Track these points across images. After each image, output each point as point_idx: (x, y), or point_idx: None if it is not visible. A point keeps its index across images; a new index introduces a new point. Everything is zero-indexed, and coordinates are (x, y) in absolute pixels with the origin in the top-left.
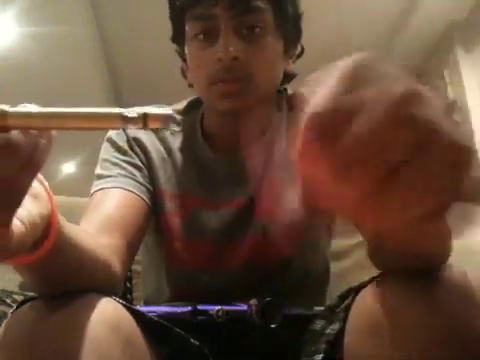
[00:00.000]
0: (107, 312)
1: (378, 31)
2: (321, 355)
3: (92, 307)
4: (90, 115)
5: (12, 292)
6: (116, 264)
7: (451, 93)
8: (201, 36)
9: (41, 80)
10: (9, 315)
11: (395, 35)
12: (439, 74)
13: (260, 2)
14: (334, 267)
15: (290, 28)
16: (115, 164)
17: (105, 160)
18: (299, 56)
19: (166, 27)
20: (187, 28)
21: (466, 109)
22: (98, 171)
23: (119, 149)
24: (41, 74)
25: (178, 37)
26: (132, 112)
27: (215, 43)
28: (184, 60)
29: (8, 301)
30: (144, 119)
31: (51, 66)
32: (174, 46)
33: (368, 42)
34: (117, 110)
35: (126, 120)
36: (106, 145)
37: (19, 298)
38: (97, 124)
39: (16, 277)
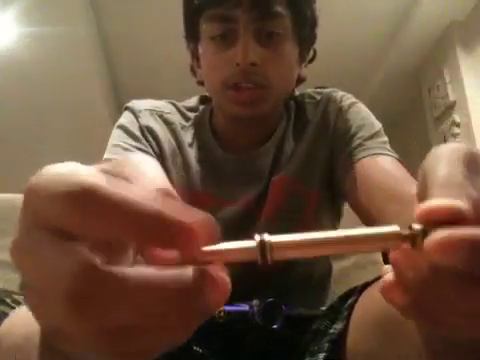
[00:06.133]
0: None
1: (378, 31)
2: (324, 354)
3: None
4: (365, 237)
5: (12, 292)
6: None
7: (451, 93)
8: (219, 37)
9: (41, 80)
10: (11, 315)
11: (395, 35)
12: (439, 74)
13: (280, 7)
14: (334, 267)
15: (307, 33)
16: (126, 150)
17: (116, 145)
18: (311, 60)
19: (166, 27)
20: (204, 27)
21: (466, 109)
22: (106, 156)
23: (132, 135)
24: (41, 74)
25: (191, 35)
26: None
27: (233, 46)
28: (195, 58)
29: (8, 301)
30: (423, 234)
31: (51, 66)
32: (174, 46)
33: (368, 42)
34: (394, 228)
35: (403, 239)
36: (117, 132)
37: (19, 298)
38: (372, 245)
39: (16, 277)
